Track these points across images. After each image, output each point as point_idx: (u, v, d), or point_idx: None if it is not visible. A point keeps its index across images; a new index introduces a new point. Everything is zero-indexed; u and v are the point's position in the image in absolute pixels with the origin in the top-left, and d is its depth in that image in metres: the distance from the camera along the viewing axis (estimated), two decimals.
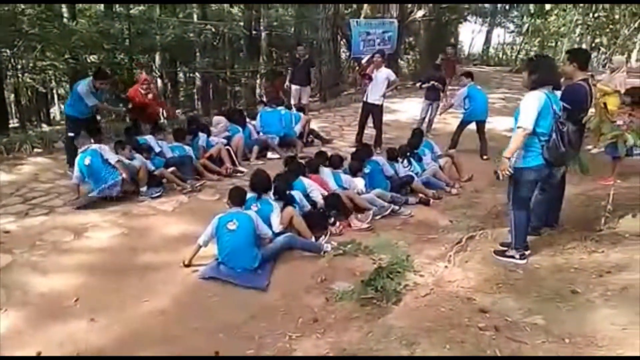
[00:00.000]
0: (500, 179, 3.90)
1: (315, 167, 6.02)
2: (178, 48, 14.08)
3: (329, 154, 6.73)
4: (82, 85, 6.50)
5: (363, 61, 12.10)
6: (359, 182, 6.14)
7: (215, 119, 8.32)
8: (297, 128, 8.57)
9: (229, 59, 16.47)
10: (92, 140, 6.05)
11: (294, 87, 10.15)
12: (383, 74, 8.34)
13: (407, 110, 12.13)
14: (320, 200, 5.39)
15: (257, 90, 16.51)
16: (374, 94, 8.38)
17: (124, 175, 5.78)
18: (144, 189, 6.01)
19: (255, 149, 7.89)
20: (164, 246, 4.82)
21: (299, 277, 4.28)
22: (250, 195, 4.95)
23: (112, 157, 5.83)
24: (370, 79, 8.34)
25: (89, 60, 11.91)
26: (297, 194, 5.24)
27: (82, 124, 6.59)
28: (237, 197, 4.68)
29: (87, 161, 5.70)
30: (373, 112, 8.53)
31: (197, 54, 15.65)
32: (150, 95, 8.00)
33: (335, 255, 4.53)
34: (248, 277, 4.25)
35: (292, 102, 10.05)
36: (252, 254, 4.38)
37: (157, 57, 14.41)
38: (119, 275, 4.25)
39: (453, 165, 7.30)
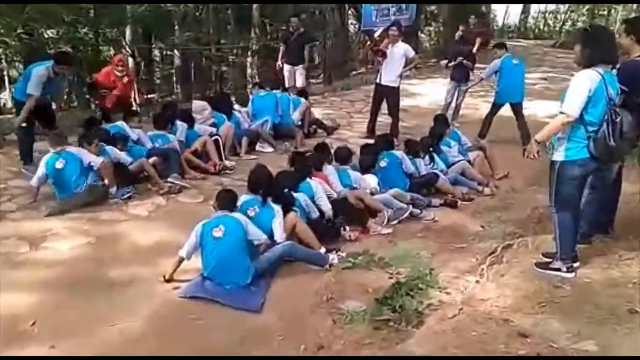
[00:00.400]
0: (524, 158, 4.00)
1: (319, 164, 6.01)
2: (153, 20, 14.08)
3: (335, 146, 6.75)
4: (40, 69, 6.51)
5: (375, 35, 12.10)
6: (371, 180, 6.15)
7: (197, 104, 8.32)
8: (296, 115, 8.59)
9: (214, 33, 16.49)
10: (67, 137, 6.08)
11: (286, 66, 10.17)
12: (400, 50, 8.34)
13: (428, 93, 12.13)
14: (328, 210, 5.40)
15: (248, 71, 16.53)
16: (388, 74, 8.39)
17: (107, 181, 5.87)
18: (113, 190, 6.01)
19: (245, 140, 7.90)
20: (137, 258, 4.84)
21: (301, 294, 4.28)
22: (247, 197, 4.96)
23: (95, 159, 5.86)
24: (385, 55, 8.34)
25: (46, 36, 11.95)
26: (302, 197, 5.25)
27: (37, 113, 6.61)
28: (226, 201, 4.69)
29: (59, 164, 5.73)
30: (388, 95, 8.55)
31: (176, 27, 15.66)
32: (125, 79, 8.03)
33: (344, 269, 4.53)
34: (238, 295, 4.25)
35: (286, 84, 10.06)
36: (244, 267, 4.39)
37: (128, 31, 14.36)
38: (84, 293, 4.26)
39: (485, 159, 7.30)
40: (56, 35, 12.04)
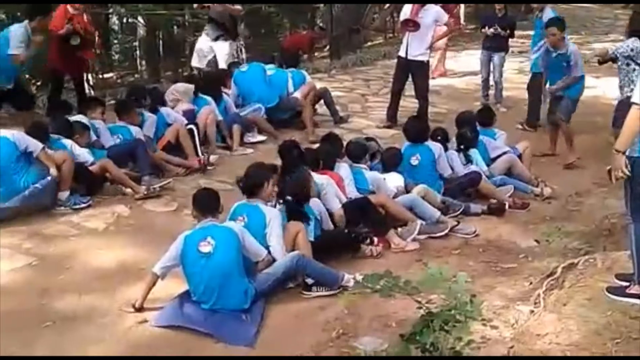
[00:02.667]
0: (614, 182, 3.97)
1: (330, 161, 5.98)
2: None
3: (350, 139, 6.76)
4: (16, 27, 6.91)
5: None
6: (395, 180, 6.13)
7: (179, 87, 8.36)
8: (298, 95, 8.60)
9: None
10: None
11: (203, 39, 9.84)
12: (429, 16, 8.34)
13: (464, 68, 12.12)
14: (337, 210, 5.43)
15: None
16: (416, 46, 8.40)
17: (52, 171, 5.80)
18: (64, 194, 6.01)
19: (237, 129, 7.88)
20: (92, 285, 4.83)
21: (304, 328, 4.29)
22: (239, 203, 5.00)
23: (35, 145, 5.81)
24: (417, 26, 8.31)
25: None
26: (317, 207, 5.28)
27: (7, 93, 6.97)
28: (206, 202, 4.70)
29: None
30: (415, 73, 8.55)
31: None
32: (86, 17, 8.22)
33: (359, 294, 4.51)
34: (226, 324, 4.28)
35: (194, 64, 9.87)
36: (241, 288, 4.42)
37: None
38: (26, 329, 4.26)
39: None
40: None
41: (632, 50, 6.63)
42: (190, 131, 7.30)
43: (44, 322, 4.34)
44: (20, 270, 5.01)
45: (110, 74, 15.94)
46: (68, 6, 7.97)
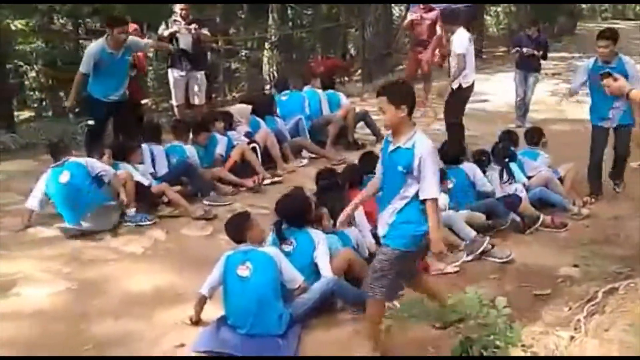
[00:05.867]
0: None
1: (358, 178, 5.89)
2: (144, 6, 14.33)
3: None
4: (89, 48, 7.03)
5: (409, 16, 11.90)
6: (441, 200, 6.07)
7: (237, 108, 8.61)
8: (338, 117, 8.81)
9: (222, 21, 16.72)
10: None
11: (175, 73, 9.23)
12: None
13: (497, 91, 12.07)
14: (370, 243, 5.36)
15: (265, 67, 16.70)
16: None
17: (122, 195, 6.05)
18: (132, 211, 6.20)
19: (286, 147, 8.17)
20: (130, 309, 4.87)
21: (340, 354, 4.25)
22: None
23: (107, 171, 6.08)
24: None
25: (13, 27, 12.26)
26: (353, 233, 5.23)
27: (106, 110, 7.14)
28: (231, 232, 4.75)
29: (63, 178, 5.91)
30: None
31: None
32: (140, 53, 8.52)
33: (396, 319, 4.48)
34: (263, 349, 4.27)
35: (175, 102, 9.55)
36: (276, 314, 4.42)
37: None
38: (66, 354, 4.27)
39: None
40: (25, 27, 12.35)
41: None
42: (254, 149, 7.62)
43: (83, 346, 4.37)
44: (60, 294, 5.06)
45: (145, 100, 16.15)
46: None
